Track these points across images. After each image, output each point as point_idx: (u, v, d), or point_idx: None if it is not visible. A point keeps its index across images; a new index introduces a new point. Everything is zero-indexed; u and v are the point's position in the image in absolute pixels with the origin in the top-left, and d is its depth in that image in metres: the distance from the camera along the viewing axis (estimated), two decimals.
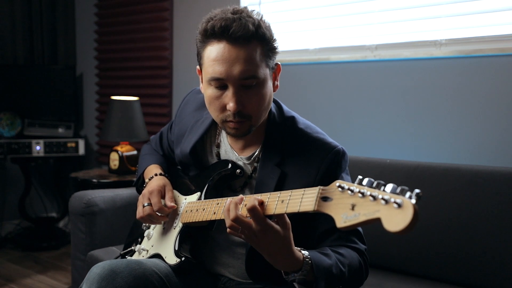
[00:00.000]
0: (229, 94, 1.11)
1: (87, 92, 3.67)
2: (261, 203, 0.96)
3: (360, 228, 1.18)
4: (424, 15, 2.02)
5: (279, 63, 1.20)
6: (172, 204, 1.27)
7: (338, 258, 1.07)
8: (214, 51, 1.10)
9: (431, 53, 1.98)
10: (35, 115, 3.37)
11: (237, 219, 0.96)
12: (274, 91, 1.20)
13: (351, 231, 1.15)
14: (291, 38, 2.46)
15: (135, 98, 2.77)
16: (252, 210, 0.94)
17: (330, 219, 1.11)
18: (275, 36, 1.17)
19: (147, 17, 3.09)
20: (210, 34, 1.10)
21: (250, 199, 0.96)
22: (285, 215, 0.96)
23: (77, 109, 3.61)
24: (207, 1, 2.76)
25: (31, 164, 3.45)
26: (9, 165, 3.46)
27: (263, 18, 1.15)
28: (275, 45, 1.16)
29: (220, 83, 1.11)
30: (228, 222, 0.99)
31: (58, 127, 3.37)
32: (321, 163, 1.15)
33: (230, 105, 1.11)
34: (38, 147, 3.18)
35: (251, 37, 1.09)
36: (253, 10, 1.14)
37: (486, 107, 1.86)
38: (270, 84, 1.17)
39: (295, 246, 1.01)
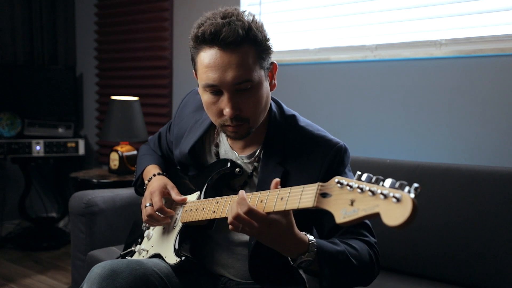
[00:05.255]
0: (224, 99, 1.11)
1: (87, 92, 3.67)
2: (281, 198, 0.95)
3: (368, 222, 1.17)
4: (424, 15, 2.02)
5: (275, 62, 1.20)
6: (182, 197, 1.28)
7: (347, 248, 1.06)
8: (206, 57, 1.10)
9: (431, 53, 1.98)
10: (35, 115, 3.37)
11: (238, 217, 0.96)
12: (271, 90, 1.20)
13: (360, 224, 1.14)
14: (291, 38, 2.46)
15: (135, 98, 2.77)
16: (249, 213, 0.95)
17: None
18: (269, 35, 1.15)
19: (147, 17, 3.09)
20: (201, 41, 1.10)
21: (238, 204, 0.96)
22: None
23: (77, 109, 3.61)
24: (207, 1, 2.76)
25: (31, 164, 3.46)
26: (9, 165, 3.46)
27: (255, 19, 1.13)
28: (269, 44, 1.15)
29: (215, 89, 1.12)
30: (229, 219, 0.99)
31: (58, 127, 3.37)
32: (323, 160, 1.15)
33: (227, 110, 1.11)
34: (38, 147, 3.18)
35: (242, 41, 1.08)
36: (244, 11, 1.13)
37: (486, 107, 1.86)
38: (266, 85, 1.16)
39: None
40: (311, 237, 1.02)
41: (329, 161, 1.15)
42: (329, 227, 1.14)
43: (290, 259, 1.02)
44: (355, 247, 1.08)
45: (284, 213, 0.96)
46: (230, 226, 1.00)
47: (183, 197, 1.28)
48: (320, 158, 1.15)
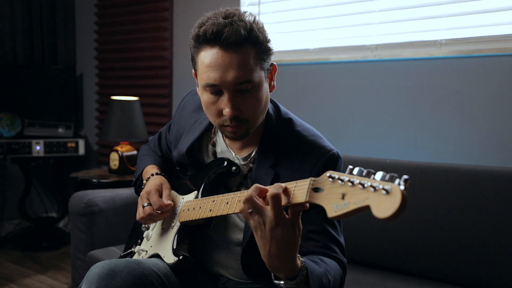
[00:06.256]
0: (224, 99, 1.11)
1: (87, 92, 3.67)
2: (285, 190, 0.90)
3: (343, 241, 1.17)
4: (424, 15, 2.02)
5: (274, 63, 1.19)
6: (169, 202, 1.26)
7: (326, 268, 1.05)
8: (207, 57, 1.09)
9: (431, 53, 1.97)
10: (35, 115, 3.37)
11: (250, 199, 0.90)
12: (270, 91, 1.20)
13: (333, 240, 1.15)
14: (291, 38, 2.46)
15: (135, 98, 2.77)
16: (275, 197, 0.87)
17: (314, 221, 1.11)
18: (269, 36, 1.15)
19: (147, 17, 3.09)
20: (202, 40, 1.09)
21: (274, 186, 0.89)
22: (299, 219, 0.92)
23: (77, 109, 3.61)
24: (207, 1, 2.76)
25: (31, 164, 3.46)
26: (9, 165, 3.46)
27: (256, 20, 1.13)
28: (269, 46, 1.14)
29: (215, 89, 1.11)
30: (243, 199, 0.92)
31: (58, 127, 3.37)
32: (314, 166, 1.15)
33: (226, 111, 1.10)
34: (38, 147, 3.18)
35: (243, 42, 1.07)
36: (245, 12, 1.13)
37: (486, 107, 1.86)
38: (266, 86, 1.16)
39: None
40: (304, 262, 0.96)
41: (320, 167, 1.14)
42: (306, 230, 1.13)
43: (272, 275, 0.96)
44: (331, 267, 1.08)
45: (298, 226, 0.91)
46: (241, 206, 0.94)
47: (171, 202, 1.26)
48: (311, 164, 1.15)
